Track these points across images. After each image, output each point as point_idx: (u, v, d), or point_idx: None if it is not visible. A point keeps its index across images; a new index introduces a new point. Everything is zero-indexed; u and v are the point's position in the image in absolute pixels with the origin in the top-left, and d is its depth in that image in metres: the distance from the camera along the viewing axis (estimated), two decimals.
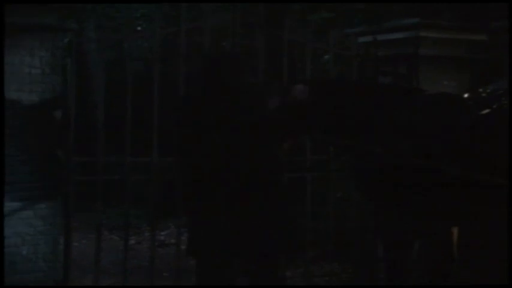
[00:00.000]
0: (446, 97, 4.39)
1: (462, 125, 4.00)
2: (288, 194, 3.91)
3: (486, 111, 4.03)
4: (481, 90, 4.38)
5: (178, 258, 4.97)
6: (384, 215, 4.17)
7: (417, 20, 5.58)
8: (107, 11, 9.76)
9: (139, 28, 9.88)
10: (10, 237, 4.71)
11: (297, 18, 7.35)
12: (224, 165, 3.67)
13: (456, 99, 4.36)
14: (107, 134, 5.09)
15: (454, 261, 4.47)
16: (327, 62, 6.18)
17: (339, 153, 5.14)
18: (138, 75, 6.51)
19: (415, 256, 4.36)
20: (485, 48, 5.81)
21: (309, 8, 7.62)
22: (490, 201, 3.89)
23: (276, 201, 3.73)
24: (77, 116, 4.95)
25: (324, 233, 5.55)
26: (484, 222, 4.20)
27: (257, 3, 5.38)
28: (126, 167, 4.97)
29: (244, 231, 3.64)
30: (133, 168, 5.01)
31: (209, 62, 3.98)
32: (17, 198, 4.73)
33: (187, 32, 5.12)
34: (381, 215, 4.24)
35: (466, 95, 4.44)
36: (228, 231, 3.63)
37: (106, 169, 4.96)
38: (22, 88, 4.78)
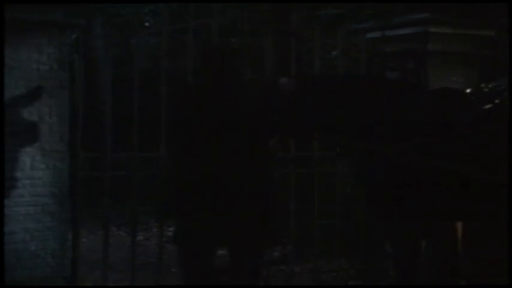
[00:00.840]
0: (447, 93, 4.35)
1: (463, 122, 3.96)
2: (271, 188, 3.92)
3: (487, 107, 3.99)
4: (483, 85, 4.35)
5: None
6: (387, 215, 4.15)
7: (426, 15, 5.56)
8: (114, 8, 9.76)
9: (147, 24, 9.88)
10: (18, 233, 4.73)
11: (305, 14, 7.33)
12: (209, 160, 3.67)
13: (457, 95, 4.32)
14: (115, 130, 5.10)
15: (459, 257, 4.47)
16: (335, 58, 6.16)
17: (343, 152, 5.12)
18: (145, 71, 6.51)
19: (422, 254, 4.35)
20: (494, 44, 5.79)
21: (316, 5, 7.61)
22: (493, 197, 3.86)
23: (259, 194, 3.73)
24: (84, 112, 4.97)
25: (332, 229, 5.55)
26: (487, 219, 4.19)
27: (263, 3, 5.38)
28: (133, 162, 4.99)
29: (227, 220, 3.65)
30: (141, 163, 5.02)
31: (199, 56, 3.96)
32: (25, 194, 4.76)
33: (195, 29, 5.12)
34: (383, 215, 4.23)
35: (467, 91, 4.40)
36: (212, 221, 3.65)
37: (114, 165, 4.98)
38: (30, 84, 4.79)
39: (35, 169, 4.81)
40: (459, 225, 4.52)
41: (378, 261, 5.49)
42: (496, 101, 3.98)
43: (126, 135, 5.09)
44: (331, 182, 5.54)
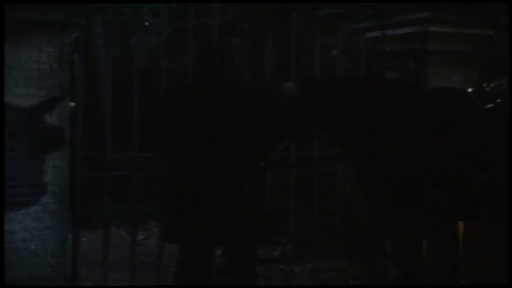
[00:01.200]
0: (447, 92, 4.35)
1: (463, 121, 3.96)
2: (263, 189, 3.93)
3: (488, 106, 3.99)
4: (485, 85, 4.35)
5: None
6: (387, 215, 4.15)
7: (426, 14, 5.55)
8: (115, 7, 9.75)
9: (147, 23, 9.88)
10: (18, 232, 4.73)
11: (305, 14, 7.33)
12: (205, 160, 3.69)
13: (457, 94, 4.32)
14: (115, 130, 5.10)
15: (460, 257, 4.47)
16: (335, 58, 6.17)
17: (343, 152, 5.13)
18: (145, 71, 6.51)
19: (423, 253, 4.35)
20: (494, 43, 5.79)
21: (316, 5, 7.61)
22: (493, 197, 3.86)
23: (252, 194, 3.75)
24: (84, 112, 4.97)
25: (332, 229, 5.56)
26: (487, 219, 4.19)
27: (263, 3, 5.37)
28: (133, 162, 4.99)
29: (221, 218, 3.67)
30: (141, 163, 5.02)
31: (198, 56, 3.97)
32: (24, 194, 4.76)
33: (195, 29, 5.12)
34: (383, 215, 4.24)
35: (468, 90, 4.40)
36: (206, 219, 3.67)
37: (114, 165, 4.98)
38: (30, 83, 4.80)
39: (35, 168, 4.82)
40: (460, 225, 4.52)
41: (378, 261, 5.49)
42: (498, 101, 3.98)
43: (126, 135, 5.09)
44: (331, 182, 5.54)
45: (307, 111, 3.98)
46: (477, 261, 4.67)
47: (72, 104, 4.98)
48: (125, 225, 7.41)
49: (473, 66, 5.71)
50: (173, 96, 3.94)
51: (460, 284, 4.48)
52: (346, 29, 5.81)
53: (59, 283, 4.85)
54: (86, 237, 6.47)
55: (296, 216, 5.40)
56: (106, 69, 6.49)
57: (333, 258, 5.71)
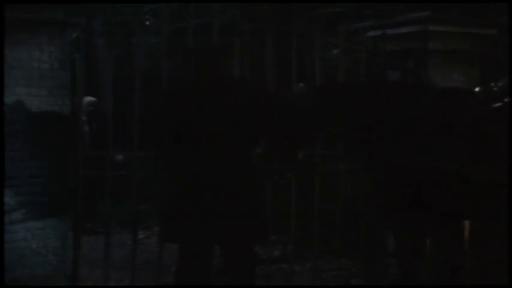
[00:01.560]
0: (447, 93, 4.36)
1: (463, 122, 3.97)
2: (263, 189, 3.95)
3: (488, 107, 4.00)
4: (492, 84, 4.35)
5: None
6: (392, 214, 4.16)
7: (427, 13, 5.56)
8: (115, 7, 9.76)
9: (147, 23, 9.87)
10: (20, 231, 4.74)
11: (305, 13, 7.34)
12: (205, 160, 3.70)
13: (457, 95, 4.33)
14: (115, 130, 5.11)
15: (465, 255, 4.47)
16: (336, 58, 6.17)
17: (347, 152, 5.14)
18: (145, 71, 6.52)
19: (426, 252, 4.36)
20: (494, 42, 5.79)
21: (317, 4, 7.61)
22: (497, 196, 3.87)
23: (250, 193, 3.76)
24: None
25: (332, 229, 5.56)
26: (487, 219, 4.19)
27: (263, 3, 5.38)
28: (133, 162, 5.00)
29: (220, 217, 3.68)
30: (141, 163, 5.03)
31: (198, 54, 3.97)
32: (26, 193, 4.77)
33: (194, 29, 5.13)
34: (383, 215, 4.24)
35: (467, 90, 4.41)
36: (204, 218, 3.67)
37: (115, 165, 4.99)
38: (31, 83, 4.81)
39: (36, 168, 4.82)
40: (463, 225, 4.52)
41: (378, 260, 5.49)
42: (505, 100, 3.99)
43: (126, 135, 5.09)
44: (331, 181, 5.54)
45: (312, 113, 4.00)
46: (479, 260, 4.67)
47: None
48: (125, 225, 7.40)
49: (473, 66, 5.71)
50: (173, 96, 3.95)
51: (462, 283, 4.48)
52: (347, 28, 5.81)
53: (60, 282, 4.85)
54: (87, 236, 6.47)
55: (296, 216, 5.40)
56: (107, 69, 6.50)
57: (333, 258, 5.71)
